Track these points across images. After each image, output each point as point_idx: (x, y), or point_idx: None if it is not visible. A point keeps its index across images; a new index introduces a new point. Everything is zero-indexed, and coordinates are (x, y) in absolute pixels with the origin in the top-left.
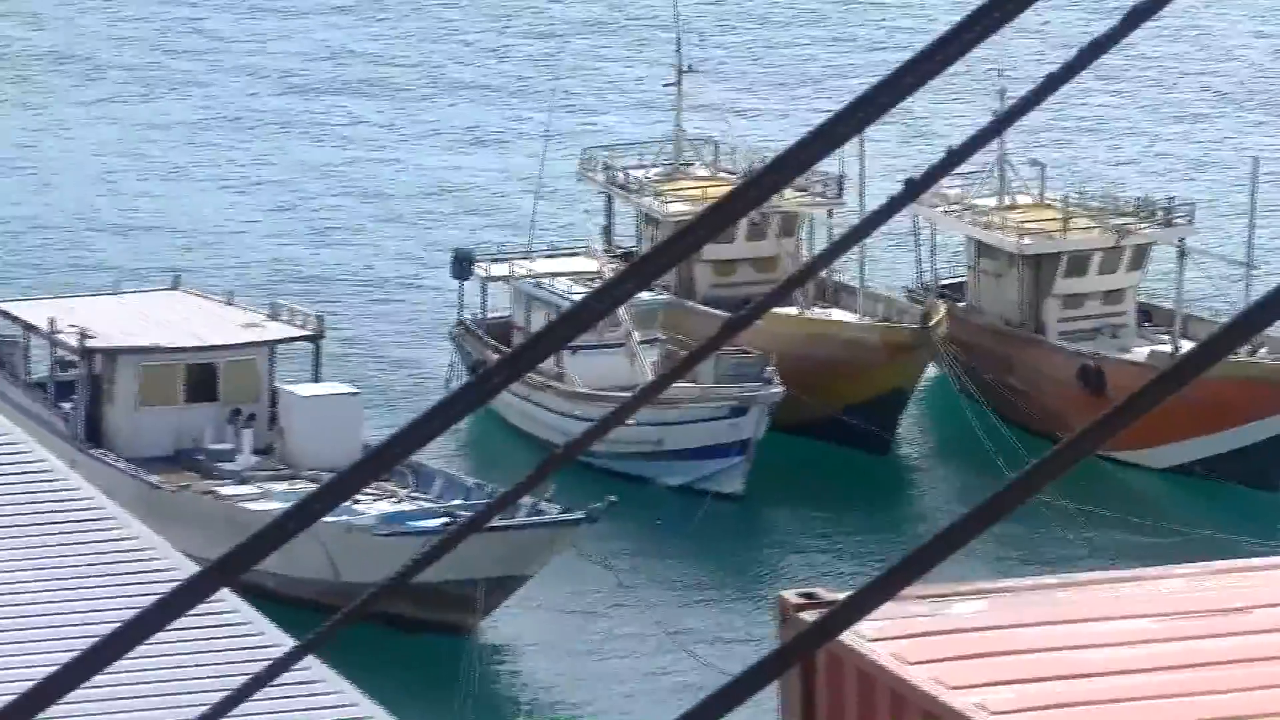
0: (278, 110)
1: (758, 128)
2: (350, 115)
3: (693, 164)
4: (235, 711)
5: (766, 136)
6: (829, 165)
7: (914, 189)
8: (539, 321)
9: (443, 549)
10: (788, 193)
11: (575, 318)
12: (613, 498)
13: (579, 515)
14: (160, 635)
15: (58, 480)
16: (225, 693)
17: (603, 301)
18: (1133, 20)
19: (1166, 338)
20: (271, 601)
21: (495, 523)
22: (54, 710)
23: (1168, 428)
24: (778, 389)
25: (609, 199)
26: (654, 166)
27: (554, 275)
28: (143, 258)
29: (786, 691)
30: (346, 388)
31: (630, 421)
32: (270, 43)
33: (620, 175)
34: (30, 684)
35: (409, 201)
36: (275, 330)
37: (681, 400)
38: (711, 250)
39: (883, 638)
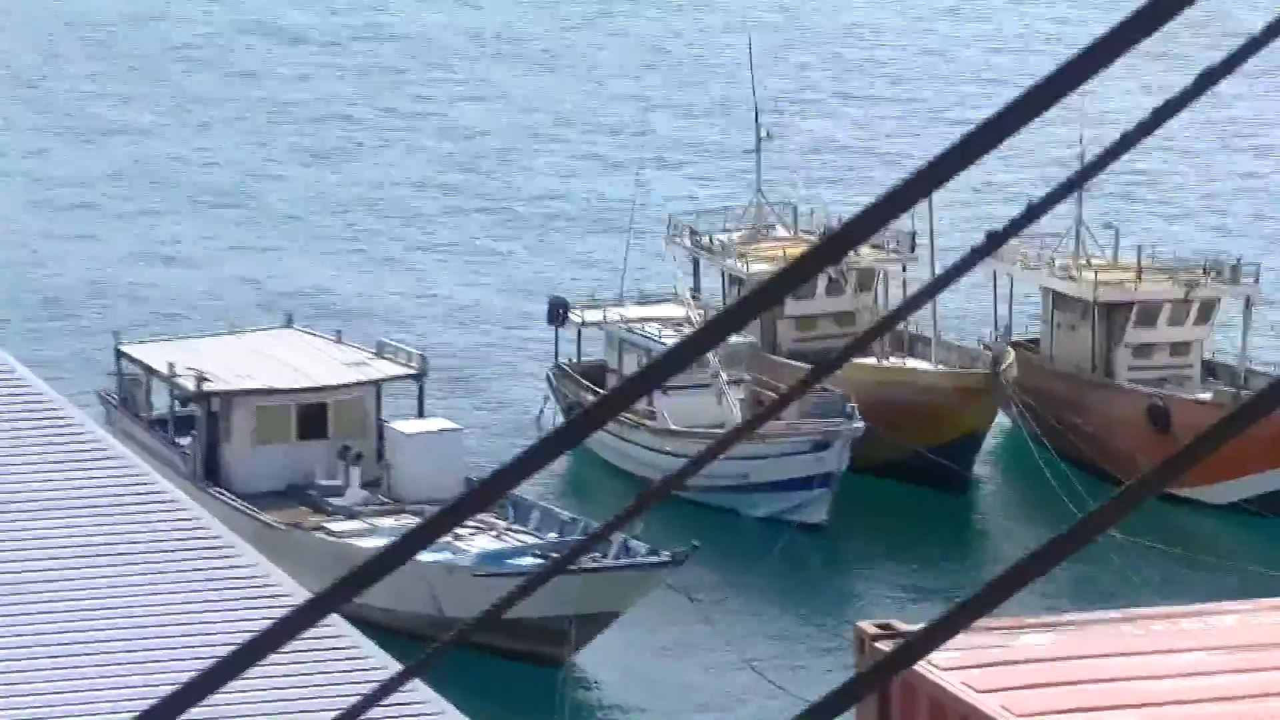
0: (386, 168)
1: (834, 191)
2: (457, 170)
3: (773, 226)
4: None
5: (842, 199)
6: (902, 223)
7: (994, 241)
8: (631, 364)
9: (534, 587)
10: (864, 250)
11: (666, 361)
12: (696, 543)
13: (665, 559)
14: (274, 658)
15: (179, 511)
16: (335, 712)
17: (692, 348)
18: (1203, 83)
19: (1230, 389)
20: (380, 631)
21: (586, 564)
22: None
23: (1226, 465)
24: (859, 424)
25: (695, 261)
26: (737, 230)
27: (644, 321)
28: (257, 295)
29: (863, 718)
30: (449, 424)
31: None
32: (378, 104)
33: (705, 239)
34: (153, 701)
35: (510, 250)
36: (382, 369)
37: (767, 435)
38: (793, 306)
39: (954, 667)
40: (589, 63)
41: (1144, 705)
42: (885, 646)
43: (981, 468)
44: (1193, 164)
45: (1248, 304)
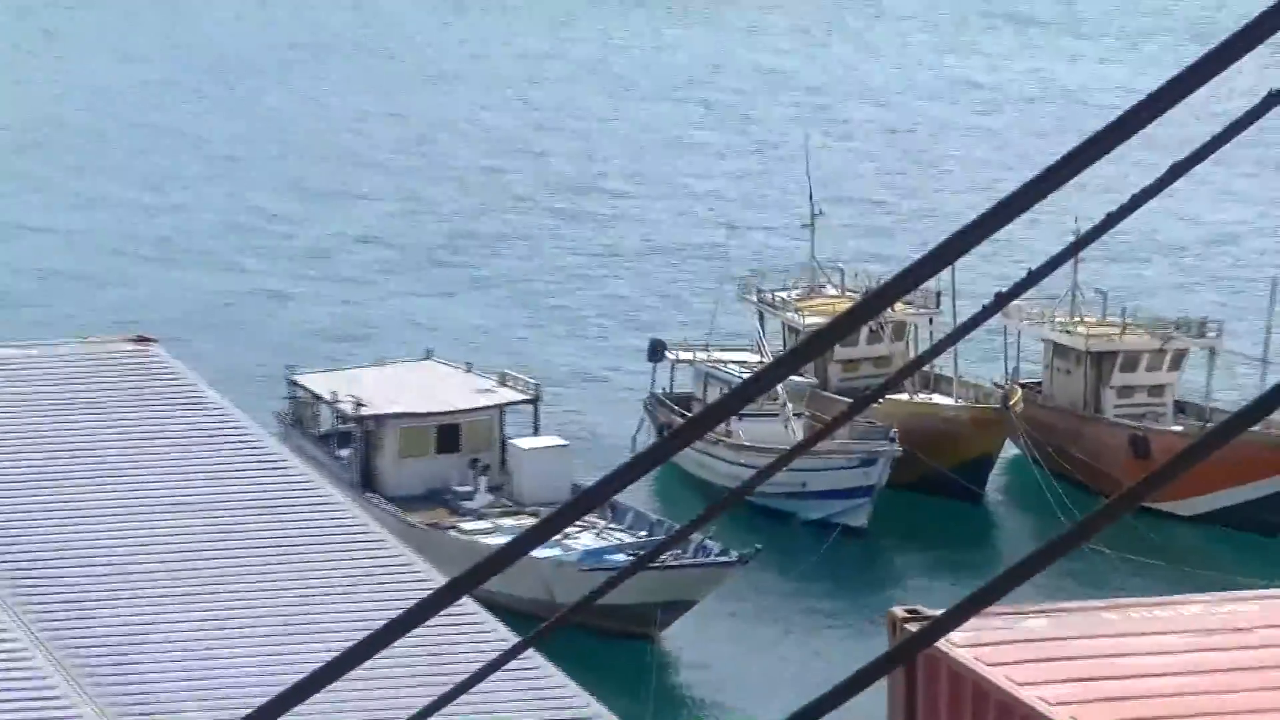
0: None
1: (878, 255)
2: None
3: (825, 286)
4: (482, 687)
5: (881, 261)
6: (929, 283)
7: (1002, 301)
8: (714, 395)
9: (625, 579)
10: (898, 306)
11: (742, 393)
12: (759, 545)
13: (734, 559)
14: (418, 631)
15: (340, 512)
16: (465, 675)
17: (761, 383)
18: (1173, 174)
19: (1197, 423)
20: (502, 612)
21: (669, 561)
22: (340, 685)
23: (1195, 483)
24: (899, 447)
25: (760, 314)
26: (794, 289)
27: (725, 361)
28: (403, 329)
29: (893, 686)
30: (560, 441)
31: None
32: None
33: (769, 295)
34: (320, 664)
35: (615, 292)
36: (504, 395)
37: (822, 453)
38: (840, 351)
39: (969, 645)
40: (686, 136)
41: (1122, 677)
42: (912, 627)
43: (993, 484)
44: (1172, 229)
45: (1211, 354)
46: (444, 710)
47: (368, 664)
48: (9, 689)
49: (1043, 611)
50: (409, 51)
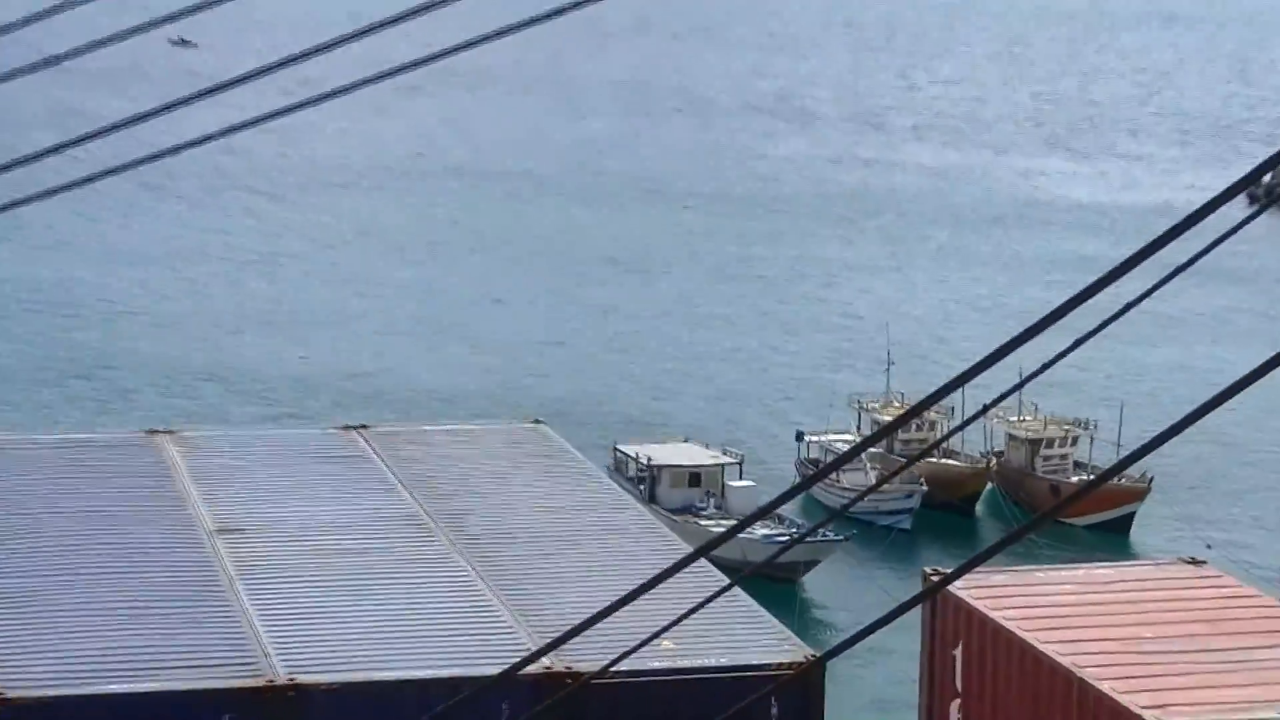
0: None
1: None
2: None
3: (892, 403)
4: (711, 607)
5: (929, 385)
6: (954, 397)
7: (985, 410)
8: (830, 458)
9: (785, 550)
10: (929, 412)
11: (845, 457)
12: (854, 533)
13: (840, 538)
14: (675, 579)
15: (640, 514)
16: (703, 598)
17: (854, 451)
18: (1101, 325)
19: (1087, 478)
20: (723, 568)
21: (810, 540)
22: (641, 603)
23: (1084, 509)
24: (925, 487)
25: (859, 414)
26: (876, 402)
27: (834, 440)
28: (665, 411)
29: (924, 613)
30: (751, 482)
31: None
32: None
33: (863, 403)
34: (631, 588)
35: (778, 410)
36: (724, 459)
37: (886, 489)
38: (900, 435)
39: (966, 589)
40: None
41: (1051, 605)
42: (935, 579)
43: (979, 508)
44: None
45: (1091, 439)
46: (692, 616)
47: (654, 591)
48: (464, 606)
49: (1003, 571)
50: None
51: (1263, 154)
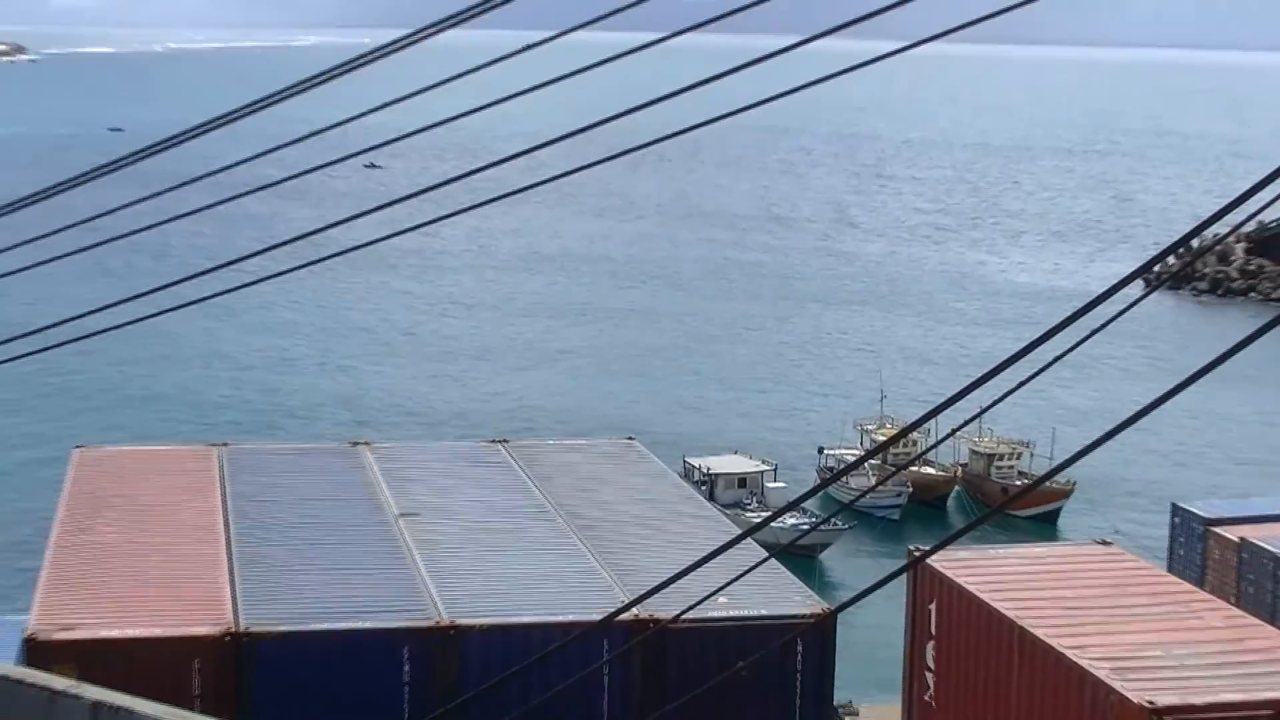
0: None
1: (915, 410)
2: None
3: (884, 425)
4: (749, 578)
5: (917, 410)
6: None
7: (953, 432)
8: (839, 465)
9: (807, 534)
10: (915, 434)
11: (852, 465)
12: (854, 524)
13: (845, 527)
14: (727, 554)
15: (700, 506)
16: (746, 568)
17: (859, 462)
18: (1051, 363)
19: (1028, 481)
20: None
21: (824, 528)
22: (714, 562)
23: (1025, 504)
24: (910, 488)
25: (861, 434)
26: (874, 423)
27: (845, 453)
28: (721, 425)
29: (909, 581)
30: (784, 484)
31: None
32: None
33: (865, 425)
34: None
35: (805, 425)
36: (763, 467)
37: (881, 487)
38: (893, 449)
39: (940, 562)
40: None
41: (1001, 576)
42: (917, 554)
43: (949, 504)
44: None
45: (1031, 454)
46: (740, 580)
47: (713, 561)
48: (576, 570)
49: (969, 549)
50: None
51: (1130, 253)
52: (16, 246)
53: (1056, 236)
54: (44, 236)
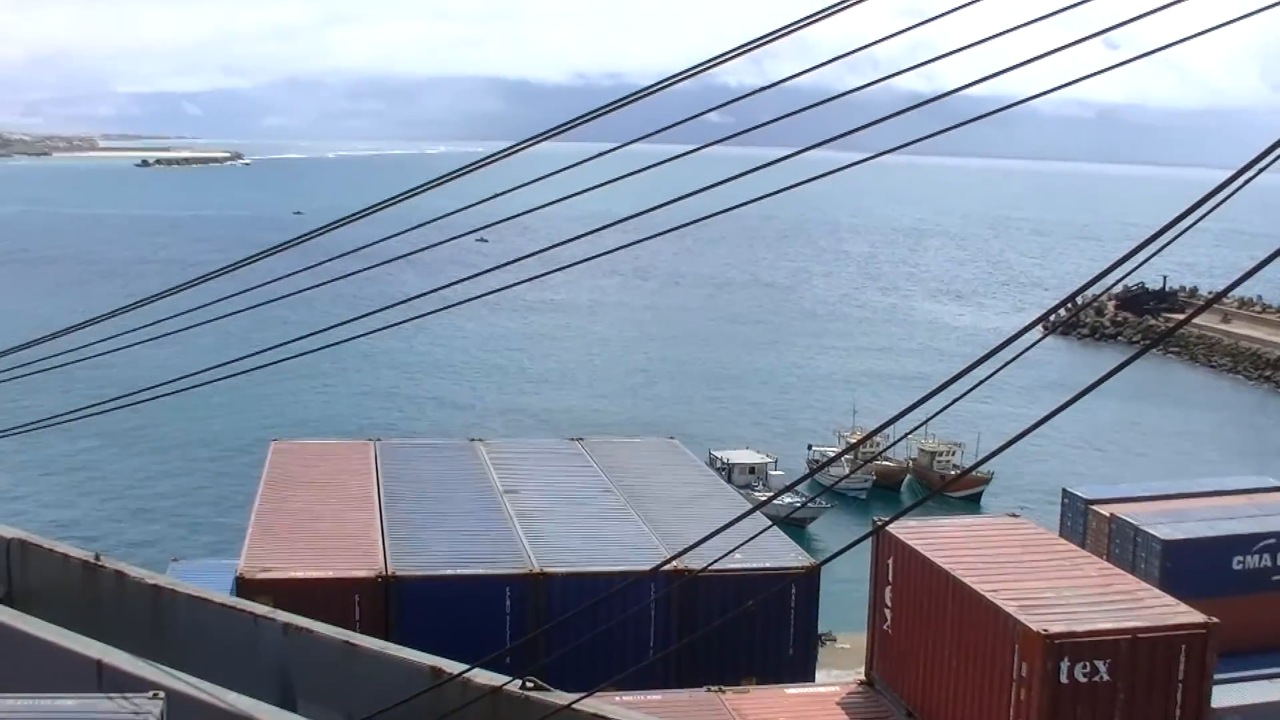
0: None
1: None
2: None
3: (857, 430)
4: (757, 541)
5: (880, 417)
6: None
7: (905, 435)
8: (825, 459)
9: (799, 509)
10: (886, 431)
11: (833, 459)
12: (834, 504)
13: (827, 506)
14: (741, 524)
15: (721, 488)
16: (748, 539)
17: (841, 454)
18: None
19: (961, 469)
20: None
21: (811, 505)
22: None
23: (959, 488)
24: (874, 477)
25: (839, 437)
26: (848, 430)
27: (826, 451)
28: (741, 420)
29: (873, 544)
30: (783, 471)
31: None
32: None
33: (843, 431)
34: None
35: (799, 428)
36: (765, 459)
37: (853, 476)
38: (863, 447)
39: (898, 530)
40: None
41: (943, 541)
42: (879, 523)
43: (903, 487)
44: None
45: (962, 452)
46: (751, 541)
47: (731, 528)
48: (631, 533)
49: (917, 519)
50: None
51: (1004, 304)
52: (224, 299)
53: (956, 295)
54: (230, 296)
